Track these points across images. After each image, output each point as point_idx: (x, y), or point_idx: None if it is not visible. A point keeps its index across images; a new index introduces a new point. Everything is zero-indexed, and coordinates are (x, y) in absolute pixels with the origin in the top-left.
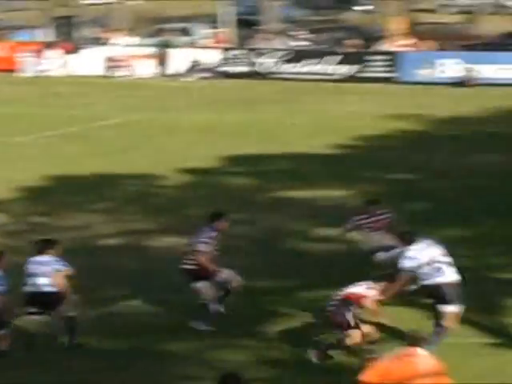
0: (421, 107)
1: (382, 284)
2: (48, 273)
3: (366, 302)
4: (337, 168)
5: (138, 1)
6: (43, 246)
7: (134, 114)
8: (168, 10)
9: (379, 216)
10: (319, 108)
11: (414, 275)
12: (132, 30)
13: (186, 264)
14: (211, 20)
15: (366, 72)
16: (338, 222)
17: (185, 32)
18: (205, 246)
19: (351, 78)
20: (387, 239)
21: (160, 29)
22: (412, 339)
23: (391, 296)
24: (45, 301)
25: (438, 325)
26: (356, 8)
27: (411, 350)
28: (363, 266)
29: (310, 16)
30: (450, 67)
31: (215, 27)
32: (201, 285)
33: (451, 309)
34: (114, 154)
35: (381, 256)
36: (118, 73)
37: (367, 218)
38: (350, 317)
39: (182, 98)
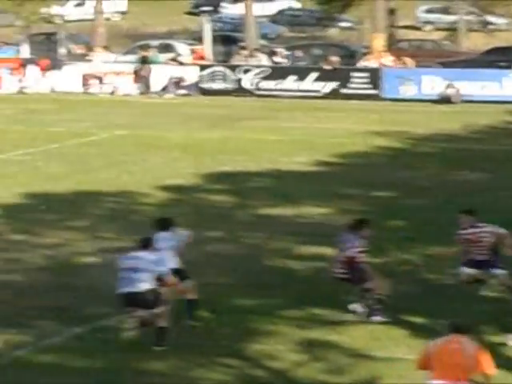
0: (403, 124)
1: None
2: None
3: None
4: (318, 185)
5: (119, 17)
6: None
7: (114, 131)
8: (149, 26)
9: (476, 228)
10: (300, 125)
11: None
12: (112, 47)
13: (338, 273)
14: (192, 37)
15: (348, 89)
16: (319, 239)
17: (166, 48)
18: (353, 251)
19: (333, 95)
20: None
21: (141, 45)
22: (455, 327)
23: None
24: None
25: None
26: (338, 25)
27: (455, 336)
28: (346, 284)
29: (291, 33)
30: (432, 84)
31: (196, 44)
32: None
33: None
34: (93, 172)
35: (465, 271)
36: (98, 89)
37: (464, 229)
38: None
39: (162, 115)
